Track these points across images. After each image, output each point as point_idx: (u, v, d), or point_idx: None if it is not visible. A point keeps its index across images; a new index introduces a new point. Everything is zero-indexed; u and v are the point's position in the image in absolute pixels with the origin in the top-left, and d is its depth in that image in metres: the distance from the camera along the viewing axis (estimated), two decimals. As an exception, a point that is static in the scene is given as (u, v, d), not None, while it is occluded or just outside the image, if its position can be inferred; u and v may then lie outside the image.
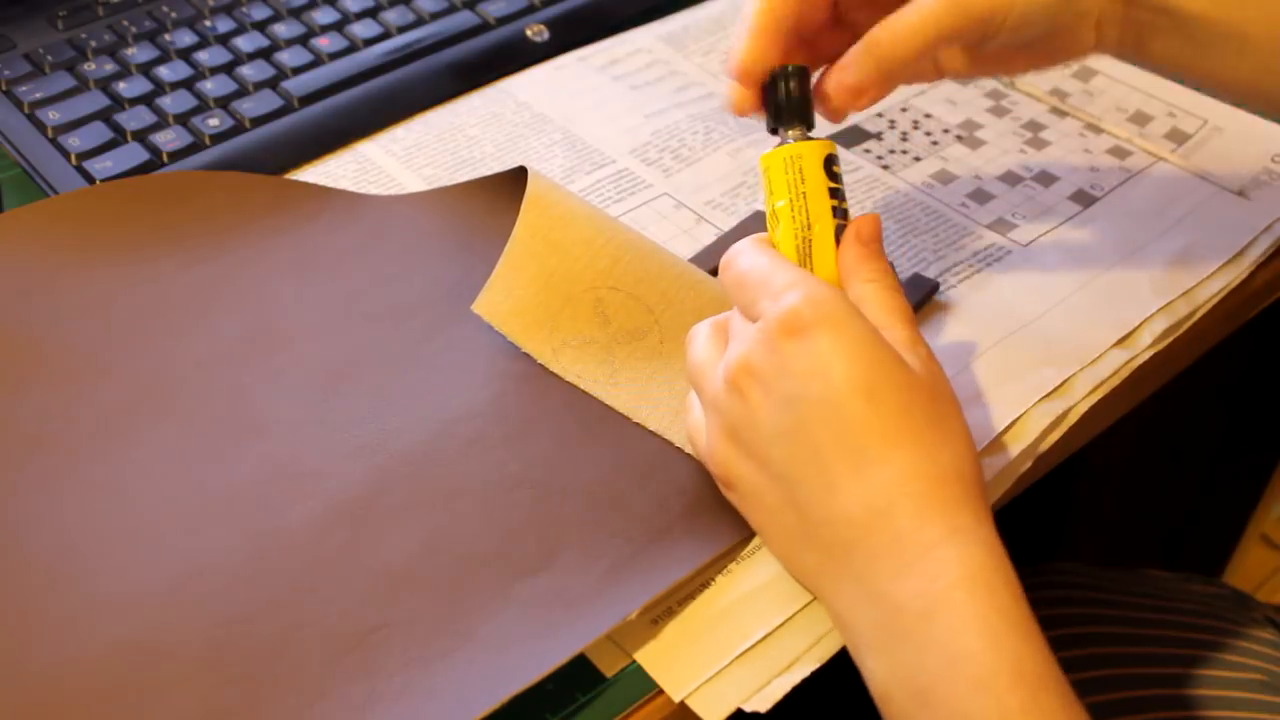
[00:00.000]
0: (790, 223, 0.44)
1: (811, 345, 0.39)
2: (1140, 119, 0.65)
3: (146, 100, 0.61)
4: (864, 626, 0.38)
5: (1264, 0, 0.46)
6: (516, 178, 0.54)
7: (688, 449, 0.46)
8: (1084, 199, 0.60)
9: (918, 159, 0.62)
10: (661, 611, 0.42)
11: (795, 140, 0.45)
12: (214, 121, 0.60)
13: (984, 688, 0.35)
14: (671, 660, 0.41)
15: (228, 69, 0.63)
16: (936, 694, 0.36)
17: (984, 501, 0.39)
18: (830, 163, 0.44)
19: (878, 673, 0.38)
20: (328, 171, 0.60)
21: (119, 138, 0.59)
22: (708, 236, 0.56)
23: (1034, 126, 0.64)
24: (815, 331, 0.39)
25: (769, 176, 0.45)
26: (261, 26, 0.66)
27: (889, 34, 0.44)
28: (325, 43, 0.65)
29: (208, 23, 0.66)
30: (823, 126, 0.46)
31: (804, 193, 0.44)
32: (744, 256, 0.43)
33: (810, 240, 0.43)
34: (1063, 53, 0.50)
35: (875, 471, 0.38)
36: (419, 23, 0.67)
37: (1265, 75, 0.48)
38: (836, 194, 0.44)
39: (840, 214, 0.44)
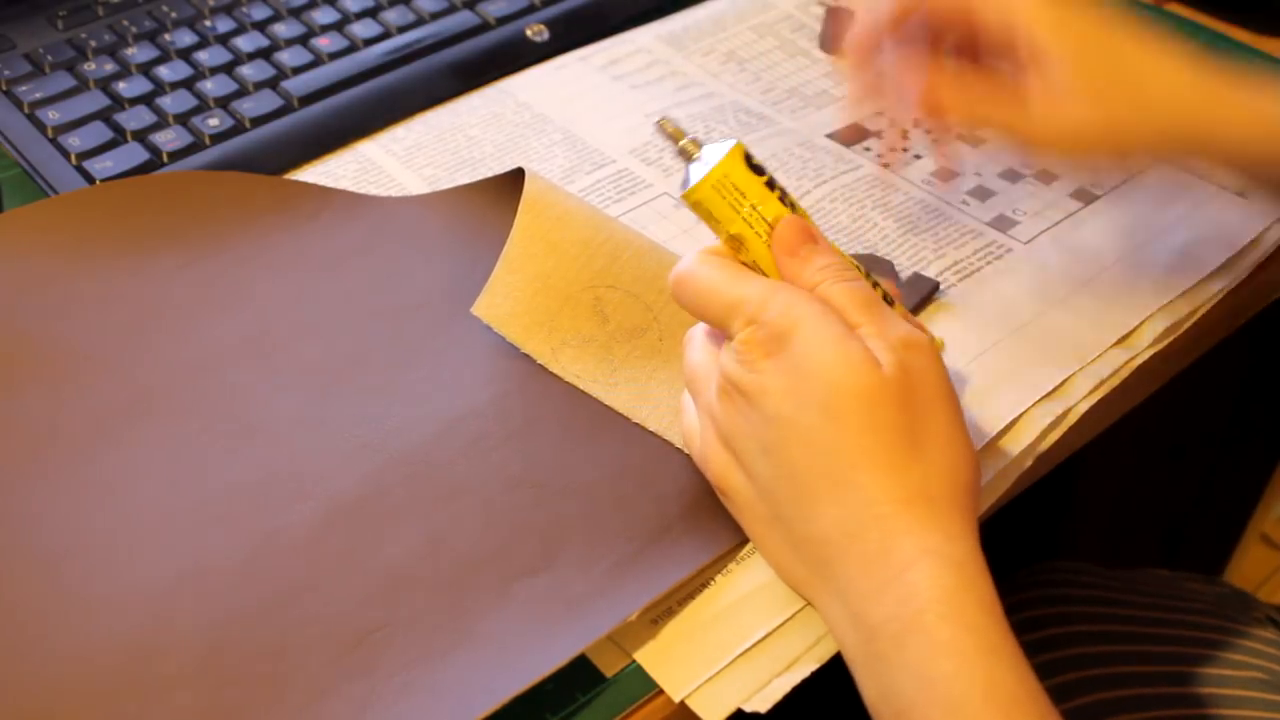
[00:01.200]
0: (757, 240, 0.42)
1: (784, 363, 0.39)
2: (1140, 118, 0.65)
3: (146, 100, 0.61)
4: (848, 644, 0.38)
5: None
6: (516, 179, 0.54)
7: (687, 450, 0.46)
8: (1085, 196, 0.60)
9: (918, 156, 0.62)
10: (661, 611, 0.42)
11: (707, 160, 0.42)
12: (214, 121, 0.60)
13: (957, 710, 0.35)
14: (671, 660, 0.41)
15: (228, 69, 0.63)
16: (914, 716, 0.36)
17: (960, 515, 0.38)
18: (749, 160, 0.42)
19: (865, 689, 0.38)
20: (328, 171, 0.60)
21: (119, 138, 0.59)
22: (707, 236, 0.56)
23: (1034, 126, 0.64)
24: (787, 348, 0.39)
25: (707, 209, 0.42)
26: (261, 26, 0.66)
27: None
28: (325, 43, 0.65)
29: (208, 23, 0.66)
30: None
31: (753, 205, 0.41)
32: (699, 274, 0.41)
33: None
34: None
35: (845, 494, 0.38)
36: (419, 23, 0.67)
37: None
38: (772, 185, 0.42)
39: (787, 202, 0.42)
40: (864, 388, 0.38)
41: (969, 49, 0.49)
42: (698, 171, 0.42)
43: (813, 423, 0.38)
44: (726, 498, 0.43)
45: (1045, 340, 0.52)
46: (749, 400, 0.40)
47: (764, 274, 0.42)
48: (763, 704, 0.40)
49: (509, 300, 0.49)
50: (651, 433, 0.47)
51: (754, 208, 0.41)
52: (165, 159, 0.58)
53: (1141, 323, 0.53)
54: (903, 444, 0.38)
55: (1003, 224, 0.58)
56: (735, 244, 0.42)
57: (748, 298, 0.40)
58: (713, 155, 0.42)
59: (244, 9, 0.67)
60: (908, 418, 0.38)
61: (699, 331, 0.45)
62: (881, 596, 0.37)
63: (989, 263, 0.55)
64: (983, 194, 0.60)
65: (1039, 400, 0.49)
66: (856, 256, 0.55)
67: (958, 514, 0.38)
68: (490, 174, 0.57)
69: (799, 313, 0.39)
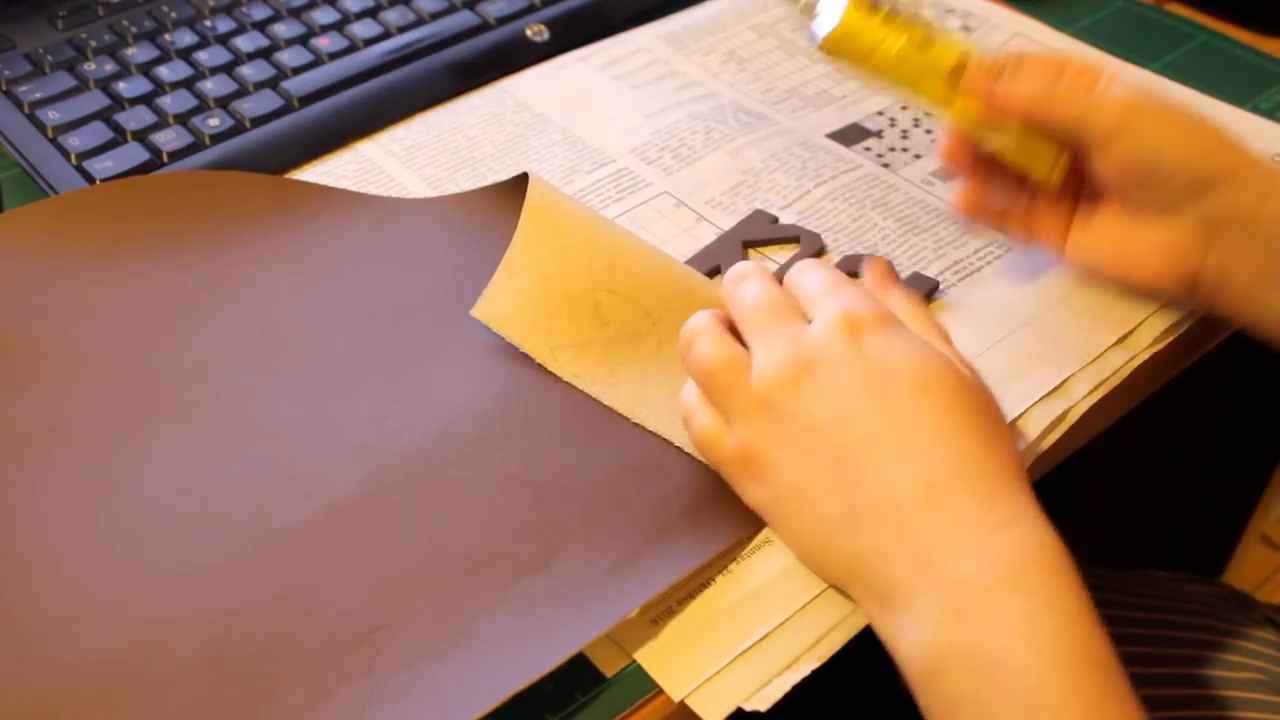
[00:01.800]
0: (910, 47, 0.49)
1: (869, 342, 0.41)
2: (1140, 118, 0.65)
3: (146, 100, 0.61)
4: (918, 602, 0.38)
5: None
6: (519, 184, 0.54)
7: (688, 448, 0.46)
8: (1084, 198, 0.59)
9: (918, 156, 0.62)
10: (661, 611, 0.42)
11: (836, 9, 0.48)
12: (214, 121, 0.60)
13: (1062, 666, 0.35)
14: (671, 660, 0.41)
15: (228, 69, 0.63)
16: (1007, 670, 0.36)
17: (1034, 497, 0.40)
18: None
19: (930, 647, 0.37)
20: (328, 171, 0.60)
21: (119, 138, 0.59)
22: (708, 235, 0.56)
23: (1034, 126, 0.64)
24: (872, 332, 0.41)
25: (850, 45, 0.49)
26: (261, 26, 0.66)
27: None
28: (325, 43, 0.65)
29: (208, 22, 0.66)
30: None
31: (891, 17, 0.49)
32: (807, 275, 0.45)
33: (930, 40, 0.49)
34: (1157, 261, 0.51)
35: (934, 458, 0.39)
36: (419, 23, 0.67)
37: None
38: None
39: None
40: (955, 375, 0.41)
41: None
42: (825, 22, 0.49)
43: (904, 391, 0.40)
44: (762, 483, 0.42)
45: (1045, 340, 0.52)
46: (832, 369, 0.41)
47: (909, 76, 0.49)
48: (763, 703, 0.40)
49: (509, 303, 0.49)
50: (651, 432, 0.47)
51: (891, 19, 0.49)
52: (165, 159, 0.58)
53: (1141, 322, 0.53)
54: (986, 427, 0.40)
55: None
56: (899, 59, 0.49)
57: (844, 287, 0.44)
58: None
59: (244, 9, 0.67)
60: (987, 411, 0.41)
61: (705, 325, 0.44)
62: (976, 550, 0.37)
63: (989, 262, 0.55)
64: (983, 194, 0.60)
65: (1039, 400, 0.49)
66: (855, 258, 0.55)
67: (1033, 497, 0.40)
68: (490, 174, 0.57)
69: (885, 313, 0.43)
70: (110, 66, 0.62)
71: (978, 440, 0.40)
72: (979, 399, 0.41)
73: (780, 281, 0.45)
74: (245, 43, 0.64)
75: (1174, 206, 0.49)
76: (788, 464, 0.41)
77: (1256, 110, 0.66)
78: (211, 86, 0.62)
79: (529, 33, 0.68)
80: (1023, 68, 0.49)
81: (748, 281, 0.45)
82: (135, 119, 0.59)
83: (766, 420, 0.42)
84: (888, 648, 0.39)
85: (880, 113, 0.65)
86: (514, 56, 0.67)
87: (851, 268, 0.54)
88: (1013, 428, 0.48)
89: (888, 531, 0.39)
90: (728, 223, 0.57)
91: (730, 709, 0.40)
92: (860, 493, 0.40)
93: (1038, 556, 0.37)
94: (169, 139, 0.58)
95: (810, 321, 0.43)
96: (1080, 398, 0.49)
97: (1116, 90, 0.48)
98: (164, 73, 0.62)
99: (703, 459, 0.45)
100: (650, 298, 0.49)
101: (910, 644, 0.38)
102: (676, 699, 0.40)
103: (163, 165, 0.58)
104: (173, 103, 0.60)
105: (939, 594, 0.38)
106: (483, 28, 0.67)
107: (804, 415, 0.41)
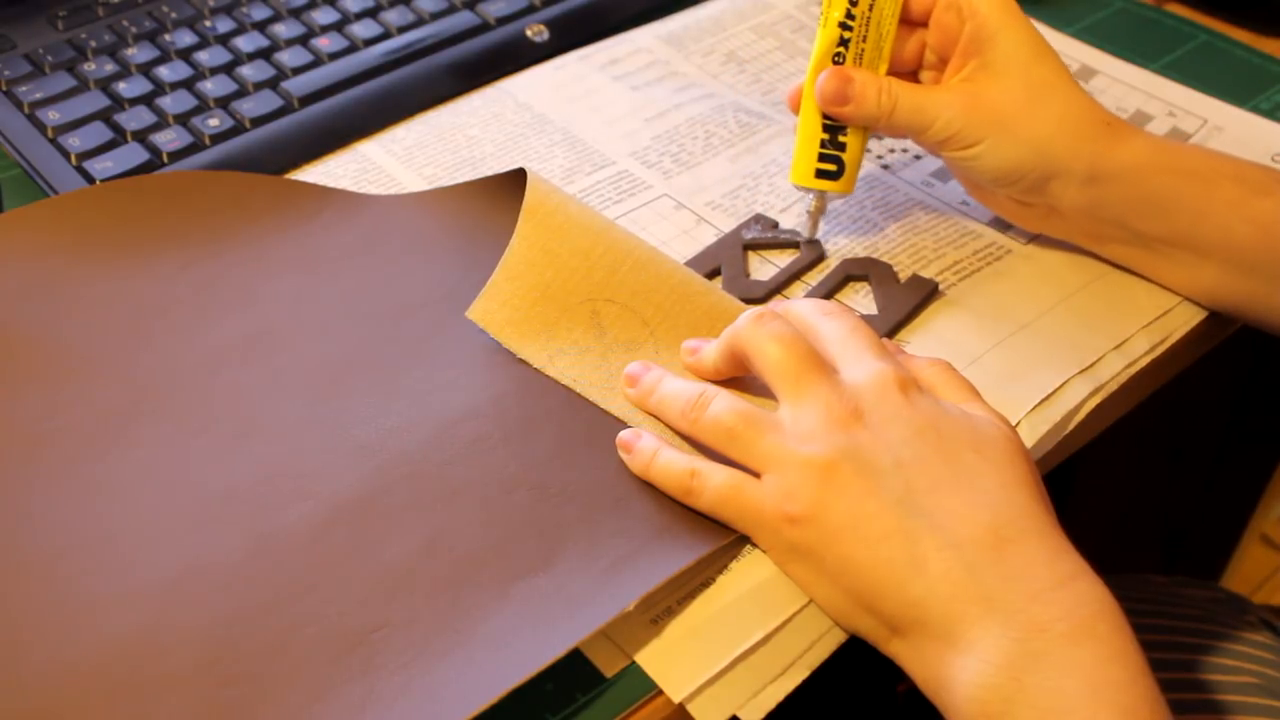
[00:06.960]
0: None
1: (916, 401, 0.42)
2: (1140, 119, 0.65)
3: (146, 100, 0.61)
4: (985, 644, 0.38)
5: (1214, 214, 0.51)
6: (517, 178, 0.54)
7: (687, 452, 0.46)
8: (1084, 199, 0.59)
9: (918, 157, 0.62)
10: (661, 611, 0.42)
11: None
12: (214, 121, 0.60)
13: (1130, 716, 0.37)
14: (671, 661, 0.41)
15: (228, 69, 0.63)
16: (1076, 716, 0.37)
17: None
18: None
19: (998, 689, 0.38)
20: (328, 171, 0.60)
21: (119, 138, 0.59)
22: (708, 237, 0.56)
23: (1034, 127, 0.64)
24: (919, 391, 0.43)
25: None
26: (261, 26, 0.66)
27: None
28: (325, 43, 0.65)
29: (208, 23, 0.66)
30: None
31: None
32: (826, 324, 0.45)
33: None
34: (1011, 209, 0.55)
35: (995, 507, 0.40)
36: (419, 23, 0.67)
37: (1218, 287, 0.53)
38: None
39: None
40: (1002, 434, 0.42)
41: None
42: None
43: (957, 446, 0.41)
44: (806, 520, 0.41)
45: (1044, 342, 0.52)
46: (891, 419, 0.41)
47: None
48: (756, 712, 0.40)
49: (506, 307, 0.49)
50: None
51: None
52: (165, 159, 0.58)
53: (1140, 327, 0.53)
54: (1035, 482, 0.42)
55: (1002, 225, 0.58)
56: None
57: (881, 348, 0.44)
58: None
59: (244, 9, 0.67)
60: (1030, 467, 0.42)
61: (708, 387, 0.45)
62: (1049, 598, 0.38)
63: (988, 264, 0.55)
64: (982, 195, 0.60)
65: (1038, 403, 0.49)
66: (856, 260, 0.55)
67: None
68: (490, 174, 0.57)
69: (929, 371, 0.45)
70: (110, 67, 0.62)
71: (1029, 495, 0.41)
72: (1022, 455, 0.42)
73: (772, 295, 0.45)
74: (245, 43, 0.64)
75: (1023, 193, 0.53)
76: (840, 506, 0.41)
77: (1256, 110, 0.66)
78: (211, 87, 0.62)
79: (529, 33, 0.68)
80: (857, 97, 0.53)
81: (771, 327, 0.44)
82: (135, 119, 0.59)
83: (813, 464, 0.41)
84: (932, 686, 0.40)
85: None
86: (514, 56, 0.67)
87: (851, 270, 0.54)
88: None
89: (956, 574, 0.39)
90: (728, 225, 0.57)
91: (727, 715, 0.40)
92: (927, 535, 0.40)
93: (1103, 611, 0.38)
94: (169, 139, 0.58)
95: (837, 369, 0.44)
96: (1079, 400, 0.49)
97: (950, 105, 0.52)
98: (164, 73, 0.62)
99: (716, 518, 0.44)
100: (648, 307, 0.49)
101: (972, 684, 0.38)
102: (676, 700, 0.40)
103: (163, 165, 0.58)
104: (173, 103, 0.60)
105: (1009, 638, 0.38)
106: (483, 28, 0.67)
107: (861, 459, 0.41)
